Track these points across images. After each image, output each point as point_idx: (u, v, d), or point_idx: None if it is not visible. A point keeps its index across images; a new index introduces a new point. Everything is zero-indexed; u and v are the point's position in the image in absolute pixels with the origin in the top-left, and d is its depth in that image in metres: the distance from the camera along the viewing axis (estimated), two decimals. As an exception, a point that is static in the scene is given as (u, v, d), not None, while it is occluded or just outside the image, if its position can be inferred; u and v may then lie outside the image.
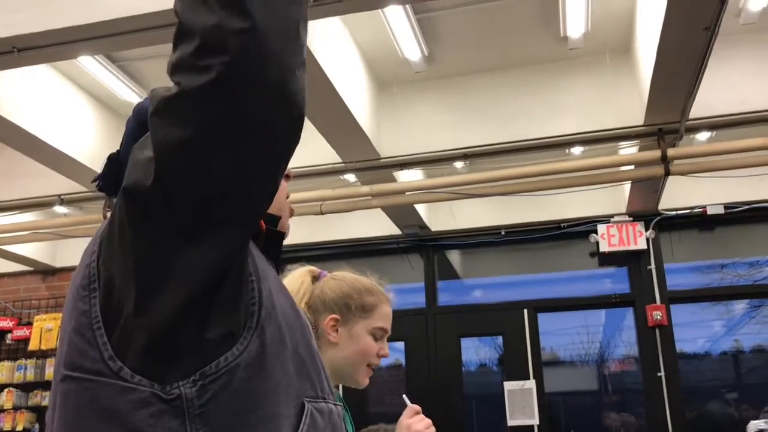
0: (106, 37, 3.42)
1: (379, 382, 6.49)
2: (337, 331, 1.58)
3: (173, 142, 0.76)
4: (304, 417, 0.87)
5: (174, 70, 0.76)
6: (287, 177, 1.15)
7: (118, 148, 0.99)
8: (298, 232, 6.01)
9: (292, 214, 1.16)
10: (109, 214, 0.88)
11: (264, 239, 1.03)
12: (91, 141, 5.14)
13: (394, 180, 5.25)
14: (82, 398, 0.82)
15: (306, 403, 0.89)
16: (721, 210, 5.76)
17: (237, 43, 0.73)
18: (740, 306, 6.12)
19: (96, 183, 0.98)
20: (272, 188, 0.84)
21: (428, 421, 1.60)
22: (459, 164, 5.33)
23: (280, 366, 0.87)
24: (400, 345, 6.41)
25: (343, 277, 1.65)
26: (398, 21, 4.33)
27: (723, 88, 4.67)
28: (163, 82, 0.79)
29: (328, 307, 1.58)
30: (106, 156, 0.97)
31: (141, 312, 0.80)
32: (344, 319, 1.58)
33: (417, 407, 1.64)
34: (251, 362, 0.83)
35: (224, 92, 0.73)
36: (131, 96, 5.11)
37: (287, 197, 1.15)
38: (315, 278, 1.65)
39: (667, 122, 4.51)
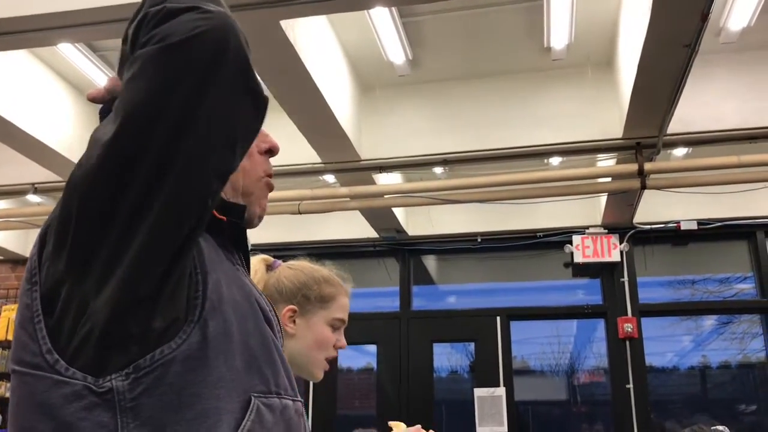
0: (86, 26, 3.38)
1: (349, 385, 6.47)
2: (294, 322, 1.52)
3: (143, 96, 0.76)
4: (248, 413, 0.85)
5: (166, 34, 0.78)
6: (270, 152, 1.10)
7: None
8: (275, 231, 5.98)
9: (270, 189, 1.09)
10: None
11: (228, 230, 1.00)
12: (69, 130, 5.07)
13: (373, 182, 5.25)
14: (23, 392, 0.81)
15: (252, 398, 0.86)
16: (694, 226, 5.83)
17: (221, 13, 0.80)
18: (709, 322, 6.20)
19: None
20: (226, 166, 0.84)
21: None
22: (438, 170, 5.34)
23: (224, 360, 0.84)
24: (372, 348, 6.40)
25: (300, 267, 1.59)
26: (384, 23, 4.33)
27: (700, 106, 4.73)
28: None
29: (285, 298, 1.53)
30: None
31: (84, 305, 0.78)
32: (302, 310, 1.53)
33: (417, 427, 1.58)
34: (190, 355, 0.81)
35: (205, 48, 0.77)
36: (111, 86, 5.04)
37: (268, 175, 1.09)
38: (269, 267, 1.59)
39: (645, 136, 4.57)
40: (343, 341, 1.57)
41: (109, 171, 0.77)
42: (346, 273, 1.65)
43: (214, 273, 0.87)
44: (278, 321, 1.01)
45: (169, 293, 0.81)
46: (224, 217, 0.99)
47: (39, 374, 0.80)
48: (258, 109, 0.84)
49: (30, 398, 0.80)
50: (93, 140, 0.80)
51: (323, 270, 1.60)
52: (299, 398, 0.96)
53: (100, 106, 0.96)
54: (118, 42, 0.90)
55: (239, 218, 1.03)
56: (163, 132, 0.76)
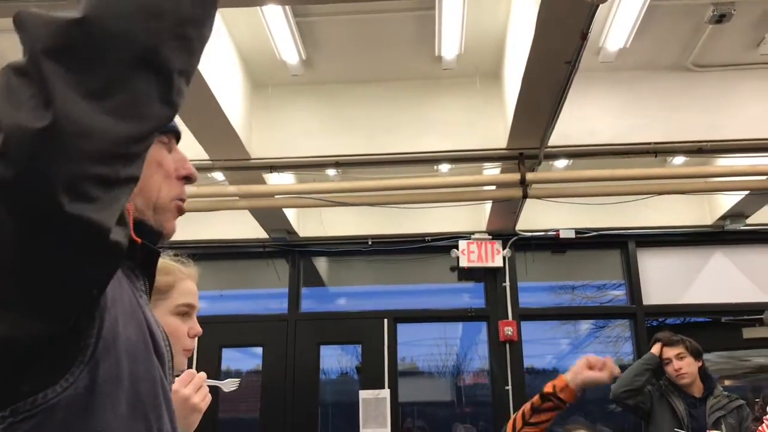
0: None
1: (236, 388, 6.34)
2: None
3: None
4: None
5: None
6: (188, 179, 1.06)
7: None
8: (159, 228, 5.77)
9: (181, 212, 1.05)
10: None
11: (140, 254, 0.94)
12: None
13: (263, 182, 5.17)
14: None
15: None
16: (572, 234, 6.12)
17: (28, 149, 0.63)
18: (586, 326, 6.51)
19: None
20: (64, 304, 0.71)
21: (206, 390, 1.49)
22: (331, 171, 5.34)
23: (111, 406, 0.78)
24: (259, 350, 6.31)
25: None
26: (277, 22, 4.27)
27: (579, 120, 4.97)
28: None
29: None
30: None
31: None
32: None
33: (192, 371, 1.51)
34: (76, 401, 0.74)
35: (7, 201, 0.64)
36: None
37: (181, 200, 1.05)
38: None
39: (527, 147, 4.74)
40: (197, 328, 1.52)
41: None
42: (185, 259, 1.60)
43: (113, 309, 0.80)
44: (171, 354, 0.96)
45: (50, 347, 0.73)
46: (139, 239, 0.93)
47: None
48: (98, 261, 0.70)
49: None
50: None
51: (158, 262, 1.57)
52: None
53: None
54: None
55: (154, 242, 0.98)
56: None
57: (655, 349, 3.70)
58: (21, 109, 0.64)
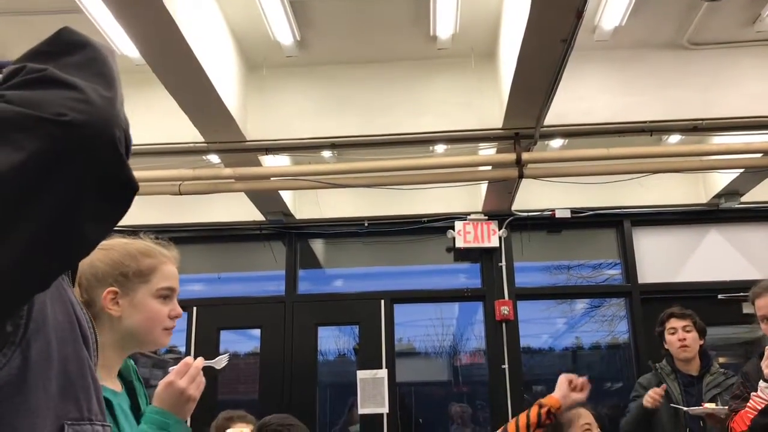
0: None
1: (234, 370, 6.38)
2: (118, 303, 1.47)
3: None
4: None
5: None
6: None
7: None
8: (153, 212, 5.76)
9: None
10: None
11: None
12: None
13: (259, 164, 5.16)
14: None
15: (66, 426, 0.82)
16: (567, 214, 6.14)
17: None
18: (581, 305, 6.55)
19: None
20: (56, 266, 0.76)
21: (201, 379, 1.50)
22: (326, 153, 5.33)
23: (43, 386, 0.79)
24: (256, 332, 6.34)
25: (111, 246, 1.50)
26: (271, 2, 4.24)
27: (575, 99, 4.96)
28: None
29: (103, 281, 1.46)
30: None
31: None
32: (123, 290, 1.47)
33: (188, 361, 1.50)
34: (10, 381, 0.75)
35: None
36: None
37: None
38: None
39: (523, 127, 4.74)
40: (178, 309, 1.54)
41: None
42: (166, 242, 1.60)
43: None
44: (95, 335, 0.97)
45: None
46: None
47: None
48: (119, 208, 0.77)
49: None
50: None
51: (137, 243, 1.54)
52: (108, 423, 0.93)
53: None
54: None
55: None
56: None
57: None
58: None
